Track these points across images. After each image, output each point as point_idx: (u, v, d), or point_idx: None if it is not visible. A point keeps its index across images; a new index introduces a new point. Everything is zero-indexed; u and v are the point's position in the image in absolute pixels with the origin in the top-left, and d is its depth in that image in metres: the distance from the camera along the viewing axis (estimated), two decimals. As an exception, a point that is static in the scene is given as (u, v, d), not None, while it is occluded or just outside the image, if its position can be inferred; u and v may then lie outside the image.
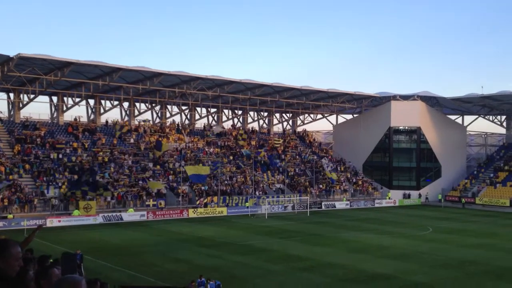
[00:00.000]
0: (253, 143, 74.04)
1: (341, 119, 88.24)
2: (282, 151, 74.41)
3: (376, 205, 68.92)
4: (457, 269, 29.53)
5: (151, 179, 55.26)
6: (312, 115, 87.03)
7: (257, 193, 61.13)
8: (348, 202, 66.92)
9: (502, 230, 46.67)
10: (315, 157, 76.21)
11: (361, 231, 44.67)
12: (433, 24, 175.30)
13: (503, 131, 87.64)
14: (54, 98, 65.80)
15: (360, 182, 73.85)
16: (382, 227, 47.88)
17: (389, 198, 72.32)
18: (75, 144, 58.38)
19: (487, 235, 43.43)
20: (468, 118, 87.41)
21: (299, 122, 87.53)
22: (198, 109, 77.12)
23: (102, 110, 67.83)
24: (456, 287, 25.37)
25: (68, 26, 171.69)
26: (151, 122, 71.60)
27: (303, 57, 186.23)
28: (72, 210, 47.71)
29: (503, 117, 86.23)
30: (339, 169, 75.34)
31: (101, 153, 58.23)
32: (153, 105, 72.00)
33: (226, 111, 79.81)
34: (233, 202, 58.12)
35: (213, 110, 78.35)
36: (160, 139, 63.13)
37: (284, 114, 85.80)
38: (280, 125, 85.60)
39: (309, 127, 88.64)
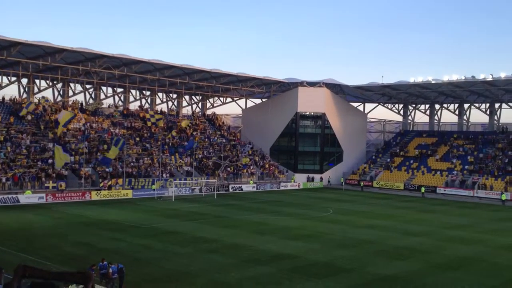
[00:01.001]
0: (160, 125, 72.84)
1: (250, 103, 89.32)
2: (191, 134, 73.94)
3: (282, 188, 70.78)
4: (355, 248, 31.13)
5: (57, 146, 51.14)
6: (221, 99, 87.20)
7: (164, 175, 60.40)
8: (255, 185, 68.10)
9: (396, 212, 49.77)
10: (224, 140, 76.55)
11: (267, 213, 45.69)
12: (339, 14, 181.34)
13: (400, 118, 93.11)
14: None
15: (267, 166, 75.31)
16: (287, 209, 49.29)
17: (294, 181, 74.52)
18: None
19: (383, 216, 46.10)
20: (369, 106, 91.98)
21: (208, 105, 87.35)
22: (104, 88, 74.46)
23: (-3, 86, 63.43)
24: (353, 265, 26.73)
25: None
26: (51, 100, 67.91)
27: (215, 42, 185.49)
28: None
29: (401, 106, 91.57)
30: (247, 152, 76.26)
31: (-4, 132, 54.60)
32: (55, 82, 68.47)
33: (133, 91, 77.76)
34: (139, 184, 57.03)
35: (119, 90, 76.00)
36: (56, 115, 59.01)
37: (193, 97, 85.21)
38: (189, 107, 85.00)
39: (219, 110, 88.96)
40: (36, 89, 66.84)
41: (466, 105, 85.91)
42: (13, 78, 64.31)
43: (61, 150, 49.25)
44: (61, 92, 70.05)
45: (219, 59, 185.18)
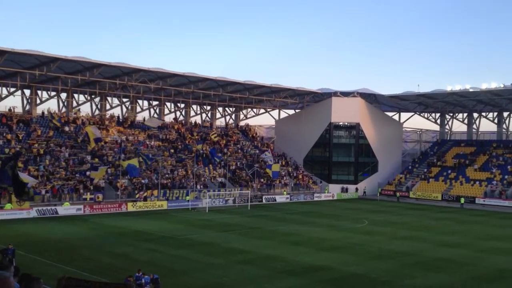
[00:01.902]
0: (195, 136, 73.65)
1: (283, 114, 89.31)
2: (224, 145, 74.44)
3: (316, 199, 70.32)
4: (391, 259, 30.63)
5: (91, 171, 52.99)
6: (254, 110, 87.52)
7: (198, 186, 60.90)
8: (288, 196, 67.90)
9: (433, 223, 48.76)
10: (257, 151, 76.75)
11: (301, 224, 45.46)
12: (373, 23, 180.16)
13: (436, 128, 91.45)
14: (-13, 88, 62.81)
15: (300, 176, 75.04)
16: (321, 220, 48.92)
17: (328, 192, 73.96)
18: (8, 136, 56.00)
19: (419, 227, 45.24)
20: (404, 115, 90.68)
21: (242, 116, 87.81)
22: (140, 101, 75.82)
23: (38, 101, 65.36)
24: (389, 277, 26.30)
25: (4, 14, 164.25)
26: (81, 112, 69.03)
27: (248, 53, 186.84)
28: (4, 204, 45.80)
29: (437, 115, 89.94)
30: (280, 163, 76.22)
31: (36, 145, 56.21)
32: (93, 96, 70.13)
33: (168, 104, 78.91)
34: (174, 195, 57.63)
35: (155, 103, 77.24)
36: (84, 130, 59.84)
37: (227, 108, 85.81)
38: (222, 119, 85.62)
39: (252, 122, 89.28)
40: (74, 103, 68.58)
41: (505, 114, 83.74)
42: (53, 93, 66.17)
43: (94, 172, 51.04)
44: (98, 106, 71.67)
45: (252, 70, 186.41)
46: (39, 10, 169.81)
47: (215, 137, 73.39)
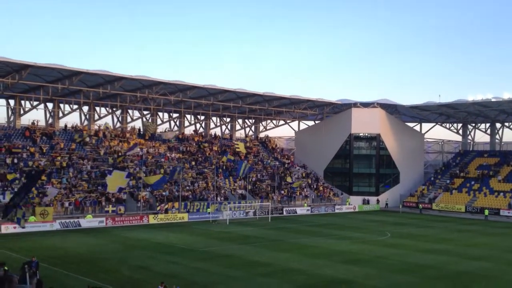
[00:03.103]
0: (215, 148, 73.92)
1: (303, 125, 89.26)
2: (244, 157, 74.51)
3: (337, 211, 69.83)
4: (414, 273, 30.18)
5: (109, 175, 51.48)
6: (274, 121, 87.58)
7: (218, 199, 60.97)
8: (309, 208, 67.55)
9: (457, 235, 48.00)
10: (277, 163, 76.65)
11: (322, 237, 45.13)
12: (392, 33, 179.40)
13: (459, 138, 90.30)
14: (11, 102, 63.96)
15: (321, 188, 74.65)
16: (342, 232, 48.51)
17: (349, 204, 73.39)
18: (32, 149, 56.90)
19: (443, 240, 44.55)
20: (425, 126, 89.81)
21: (261, 128, 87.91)
22: (160, 114, 76.46)
23: (60, 114, 66.37)
24: (412, 291, 25.91)
25: (27, 28, 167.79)
26: (108, 125, 69.95)
27: (266, 64, 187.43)
28: (28, 217, 46.37)
29: (459, 125, 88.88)
30: (300, 175, 75.97)
31: (59, 158, 56.97)
32: (114, 109, 70.97)
33: (188, 116, 79.41)
34: (195, 208, 57.76)
35: (175, 115, 77.82)
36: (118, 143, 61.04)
37: (246, 120, 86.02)
38: (242, 130, 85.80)
39: (272, 133, 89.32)
40: (96, 116, 69.48)
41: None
42: (75, 106, 67.15)
43: (118, 174, 50.39)
44: (120, 119, 72.46)
45: (271, 82, 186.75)
46: (60, 23, 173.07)
47: (244, 148, 73.29)
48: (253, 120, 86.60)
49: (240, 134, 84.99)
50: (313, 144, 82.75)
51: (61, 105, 66.57)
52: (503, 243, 43.53)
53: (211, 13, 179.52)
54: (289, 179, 68.76)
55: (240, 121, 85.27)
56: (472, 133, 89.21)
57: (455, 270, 31.27)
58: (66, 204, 49.99)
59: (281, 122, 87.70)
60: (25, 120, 63.46)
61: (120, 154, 61.15)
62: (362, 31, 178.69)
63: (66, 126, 65.16)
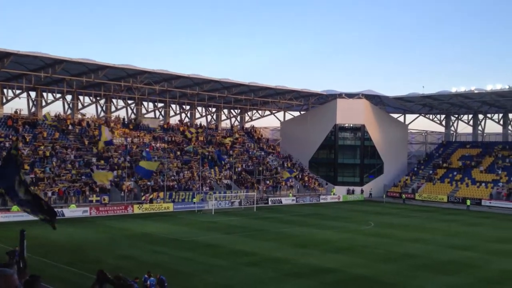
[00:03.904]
0: (200, 138, 73.69)
1: (289, 115, 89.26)
2: (230, 147, 74.41)
3: (321, 201, 70.19)
4: (398, 262, 30.51)
5: (95, 170, 52.78)
6: (260, 112, 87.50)
7: (204, 189, 60.88)
8: (294, 198, 67.79)
9: (440, 225, 48.57)
10: (263, 153, 76.69)
11: (307, 226, 45.36)
12: (377, 24, 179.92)
13: (442, 129, 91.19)
14: (-7, 90, 63.00)
15: (306, 178, 74.91)
16: (327, 222, 48.82)
17: (334, 194, 73.80)
18: (14, 138, 56.12)
19: (426, 229, 45.06)
20: (409, 117, 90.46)
21: (247, 118, 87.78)
22: (145, 103, 75.89)
23: (44, 103, 65.54)
24: (397, 279, 26.19)
25: (9, 16, 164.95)
26: (87, 115, 69.12)
27: (252, 54, 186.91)
28: (11, 206, 45.82)
29: (443, 116, 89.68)
30: (285, 165, 76.13)
31: (42, 147, 56.33)
32: (98, 98, 70.26)
33: (173, 106, 78.97)
34: (180, 198, 57.61)
35: (160, 104, 77.31)
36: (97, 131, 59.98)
37: (232, 110, 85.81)
38: (228, 121, 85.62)
39: (257, 123, 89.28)
40: (80, 105, 68.71)
41: (510, 115, 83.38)
42: (58, 95, 66.33)
43: (102, 172, 50.19)
44: (103, 108, 71.77)
45: (257, 72, 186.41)
46: (43, 12, 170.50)
47: (229, 140, 73.31)
48: (239, 110, 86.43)
49: (225, 124, 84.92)
50: (299, 135, 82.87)
51: (44, 94, 65.70)
52: (485, 232, 44.16)
53: (196, 3, 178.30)
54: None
55: (225, 111, 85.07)
56: (455, 124, 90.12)
57: (439, 259, 31.65)
58: (50, 193, 49.50)
59: (267, 112, 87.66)
60: (8, 109, 62.64)
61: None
62: (348, 23, 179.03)
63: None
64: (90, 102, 69.82)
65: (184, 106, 79.97)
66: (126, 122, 69.86)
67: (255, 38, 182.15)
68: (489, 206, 66.84)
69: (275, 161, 76.16)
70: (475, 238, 40.57)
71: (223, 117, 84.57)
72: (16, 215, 44.63)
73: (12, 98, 62.96)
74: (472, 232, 44.42)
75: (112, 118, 70.19)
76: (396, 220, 51.44)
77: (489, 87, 70.68)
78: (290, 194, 68.55)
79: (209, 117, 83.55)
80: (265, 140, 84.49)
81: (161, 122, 75.30)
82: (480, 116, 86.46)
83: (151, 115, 76.77)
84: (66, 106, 68.54)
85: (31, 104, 65.56)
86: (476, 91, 72.29)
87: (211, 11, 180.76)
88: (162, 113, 77.47)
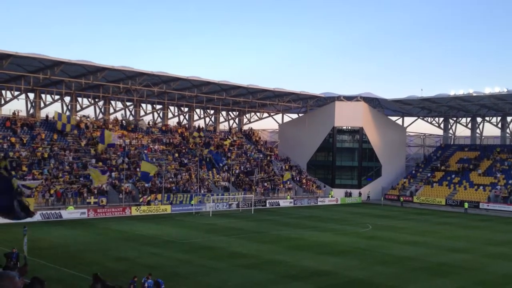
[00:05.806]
0: (198, 140, 73.71)
1: (287, 118, 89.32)
2: (228, 149, 74.44)
3: (319, 203, 70.23)
4: (395, 265, 30.54)
5: (92, 168, 52.38)
6: (258, 114, 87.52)
7: (202, 191, 60.88)
8: (292, 200, 67.82)
9: (437, 228, 48.63)
10: (261, 156, 76.72)
11: (304, 229, 45.40)
12: (376, 27, 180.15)
13: (440, 132, 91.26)
14: (-9, 91, 63.01)
15: (304, 181, 74.94)
16: (324, 224, 48.85)
17: (332, 197, 73.84)
18: (12, 139, 56.16)
19: (423, 232, 45.11)
20: (408, 119, 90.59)
21: (245, 120, 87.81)
22: (143, 105, 75.90)
23: (42, 105, 65.51)
24: (393, 283, 26.22)
25: (8, 17, 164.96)
26: (90, 117, 69.19)
27: (250, 57, 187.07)
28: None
29: (441, 119, 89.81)
30: (283, 167, 76.15)
31: (40, 149, 56.31)
32: (96, 100, 70.25)
33: (172, 108, 78.99)
34: (178, 200, 57.61)
35: (158, 107, 77.33)
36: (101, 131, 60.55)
37: (230, 112, 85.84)
38: (226, 123, 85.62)
39: (255, 126, 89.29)
40: (78, 107, 68.70)
41: (509, 118, 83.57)
42: (57, 97, 66.30)
43: (98, 172, 49.92)
44: (102, 110, 71.75)
45: (255, 74, 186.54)
46: (43, 13, 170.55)
47: (228, 142, 73.44)
48: (237, 113, 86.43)
49: (224, 126, 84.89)
50: (297, 137, 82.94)
51: (43, 96, 65.68)
52: (483, 235, 44.23)
53: (195, 5, 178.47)
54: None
55: (224, 113, 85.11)
56: (453, 127, 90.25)
57: (436, 261, 31.69)
58: (47, 195, 49.47)
59: (265, 114, 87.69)
60: (6, 110, 62.66)
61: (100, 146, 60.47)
62: (347, 26, 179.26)
63: (47, 116, 64.30)
64: (88, 104, 69.81)
65: (182, 108, 79.97)
66: (124, 124, 69.77)
67: (254, 40, 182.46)
68: (487, 209, 66.91)
69: (278, 164, 76.23)
70: (472, 241, 40.62)
71: (222, 119, 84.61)
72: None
73: (11, 100, 62.94)
74: (469, 235, 44.47)
75: (111, 120, 70.11)
76: (394, 223, 51.48)
77: (487, 90, 70.84)
78: (288, 196, 68.58)
79: (207, 119, 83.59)
80: (263, 143, 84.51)
81: (160, 124, 75.03)
82: (479, 119, 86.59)
83: (150, 117, 76.80)
84: (65, 108, 68.50)
85: (29, 105, 65.52)
86: (474, 94, 72.42)
87: (210, 14, 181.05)
88: (161, 115, 77.47)
